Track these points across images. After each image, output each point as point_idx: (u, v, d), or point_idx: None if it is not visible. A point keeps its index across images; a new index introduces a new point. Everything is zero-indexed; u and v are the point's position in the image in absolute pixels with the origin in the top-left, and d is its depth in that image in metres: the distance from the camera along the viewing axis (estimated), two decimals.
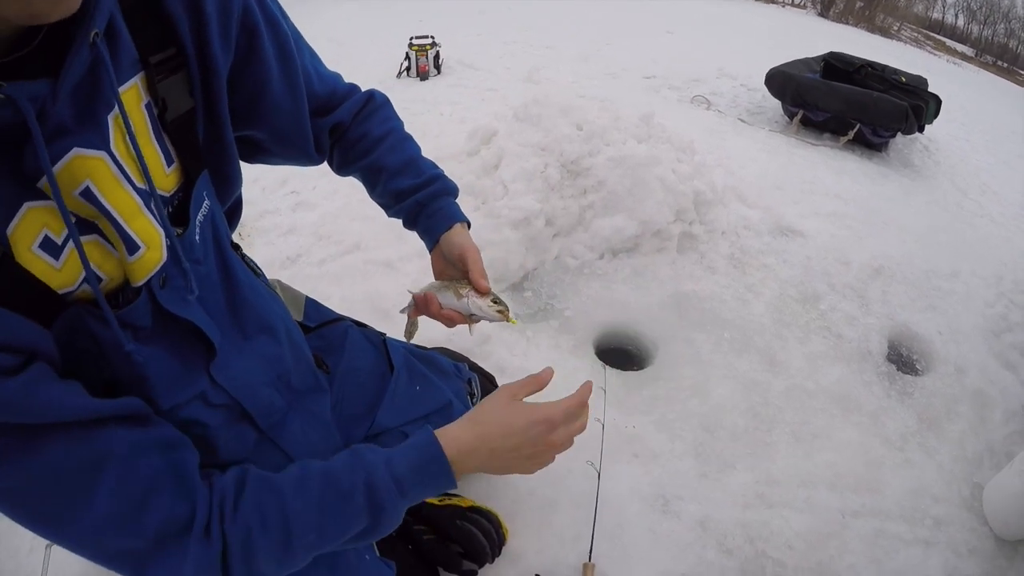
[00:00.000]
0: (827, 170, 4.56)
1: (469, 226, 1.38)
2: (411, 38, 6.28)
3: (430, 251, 1.36)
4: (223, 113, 1.02)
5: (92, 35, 0.71)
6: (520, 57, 7.14)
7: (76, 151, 0.74)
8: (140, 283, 0.86)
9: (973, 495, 2.17)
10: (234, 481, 0.86)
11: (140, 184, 0.85)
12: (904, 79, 5.51)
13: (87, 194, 0.76)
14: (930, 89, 5.45)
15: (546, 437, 1.05)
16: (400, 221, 1.42)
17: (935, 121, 5.19)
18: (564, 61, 7.10)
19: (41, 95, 0.67)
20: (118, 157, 0.81)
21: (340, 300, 1.82)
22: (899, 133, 4.90)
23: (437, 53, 6.26)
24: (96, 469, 0.75)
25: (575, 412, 1.10)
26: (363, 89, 1.40)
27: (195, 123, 0.98)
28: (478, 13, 10.01)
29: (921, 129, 4.99)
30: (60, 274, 0.76)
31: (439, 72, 6.32)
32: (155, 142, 0.88)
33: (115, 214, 0.80)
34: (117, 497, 0.76)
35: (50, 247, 0.74)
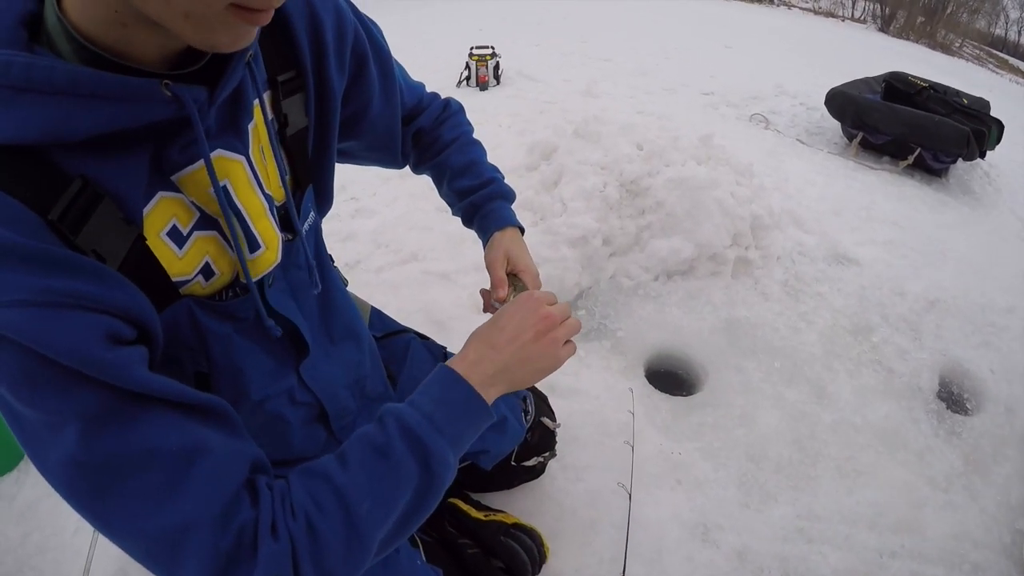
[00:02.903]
0: (885, 196, 4.51)
1: (523, 231, 1.44)
2: (471, 48, 6.34)
3: (484, 249, 1.41)
4: (333, 132, 1.11)
5: (248, 56, 0.83)
6: (578, 69, 7.15)
7: (220, 152, 0.84)
8: (255, 280, 0.94)
9: (1014, 542, 2.15)
10: (284, 483, 0.85)
11: (267, 190, 0.94)
12: (966, 101, 5.39)
13: (224, 192, 0.85)
14: (992, 112, 5.34)
15: (537, 312, 1.05)
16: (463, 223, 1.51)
17: (997, 147, 5.07)
18: (622, 74, 7.09)
19: (200, 99, 0.75)
20: (253, 163, 0.90)
21: (396, 309, 1.88)
22: (960, 159, 4.80)
23: (497, 64, 6.29)
24: (190, 460, 0.74)
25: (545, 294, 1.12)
26: (441, 96, 1.49)
27: (308, 140, 1.07)
28: (537, 23, 10.03)
29: (983, 155, 4.87)
30: (180, 262, 0.83)
31: (498, 83, 6.36)
32: (275, 154, 0.96)
33: (245, 213, 0.89)
34: (207, 494, 0.75)
35: (176, 236, 0.82)
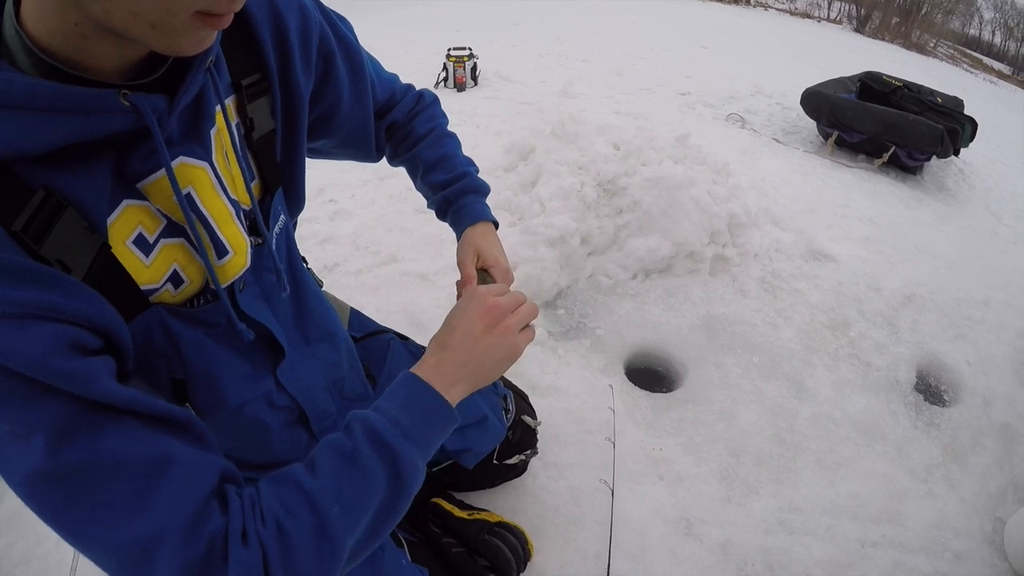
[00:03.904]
0: (861, 193, 4.56)
1: (497, 226, 1.44)
2: (449, 49, 6.34)
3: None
4: (301, 134, 1.11)
5: (208, 62, 0.82)
6: (555, 70, 7.17)
7: (182, 159, 0.83)
8: (224, 286, 0.94)
9: (995, 530, 2.18)
10: (255, 490, 0.84)
11: (233, 195, 0.93)
12: (940, 100, 5.46)
13: (188, 199, 0.84)
14: (966, 110, 5.41)
15: (485, 302, 1.05)
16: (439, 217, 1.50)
17: (971, 144, 5.15)
18: (598, 75, 7.11)
19: (159, 108, 0.75)
20: (217, 169, 0.89)
21: (375, 311, 1.88)
22: (934, 156, 4.86)
23: (475, 65, 6.29)
24: (158, 470, 0.73)
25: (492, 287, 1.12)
26: (416, 88, 1.48)
27: (275, 143, 1.07)
28: (514, 25, 10.04)
29: (956, 152, 4.93)
30: (148, 271, 0.83)
31: (476, 84, 6.36)
32: (239, 159, 0.95)
33: (210, 220, 0.89)
34: (176, 503, 0.74)
35: (142, 244, 0.82)
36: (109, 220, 0.78)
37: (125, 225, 0.80)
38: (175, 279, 0.88)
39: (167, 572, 0.71)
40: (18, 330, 0.65)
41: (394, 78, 1.44)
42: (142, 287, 0.83)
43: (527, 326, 1.09)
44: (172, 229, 0.86)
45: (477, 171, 1.47)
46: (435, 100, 1.51)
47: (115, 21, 0.62)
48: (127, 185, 0.79)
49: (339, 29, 1.18)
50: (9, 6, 0.68)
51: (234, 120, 0.96)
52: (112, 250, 0.78)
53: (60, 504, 0.70)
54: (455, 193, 1.42)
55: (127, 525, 0.70)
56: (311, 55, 1.08)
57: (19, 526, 2.00)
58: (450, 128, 1.52)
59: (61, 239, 0.72)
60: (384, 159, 1.51)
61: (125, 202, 0.79)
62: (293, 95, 1.06)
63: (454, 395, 0.97)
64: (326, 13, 1.15)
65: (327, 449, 0.87)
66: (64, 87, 0.65)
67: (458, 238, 1.39)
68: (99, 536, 0.71)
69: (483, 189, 1.45)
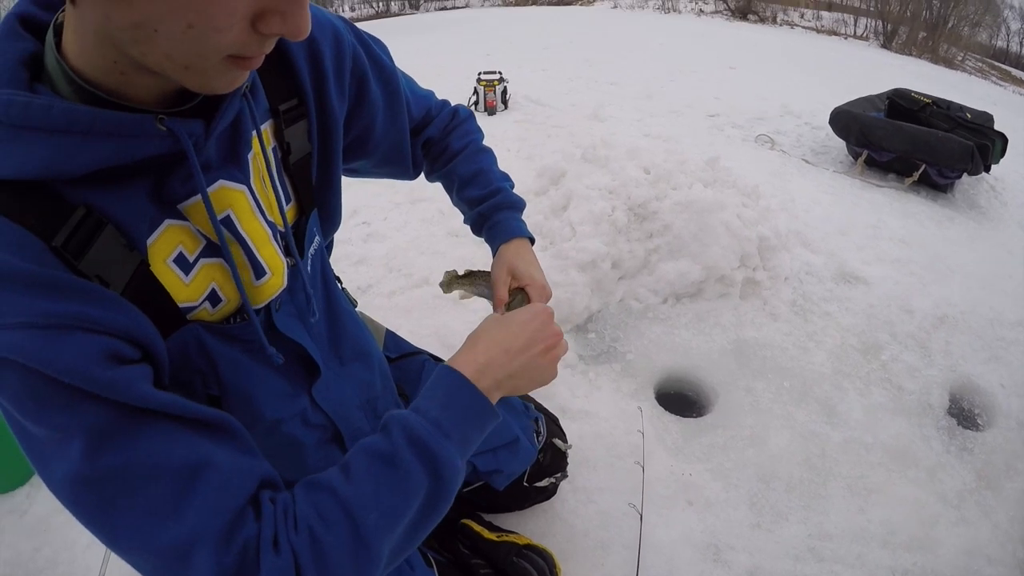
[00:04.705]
0: (892, 213, 4.53)
1: (533, 241, 1.43)
2: (480, 73, 6.41)
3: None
4: (336, 157, 1.14)
5: (244, 89, 0.86)
6: (584, 93, 7.21)
7: (221, 183, 0.87)
8: (261, 305, 0.98)
9: None
10: (289, 495, 0.84)
11: (270, 217, 0.97)
12: (970, 116, 5.41)
13: (227, 222, 0.88)
14: (996, 126, 5.35)
15: (549, 327, 1.07)
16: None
17: (1002, 160, 5.08)
18: (628, 98, 7.13)
19: (196, 133, 0.78)
20: (255, 192, 0.93)
21: (408, 333, 1.90)
22: (965, 173, 4.82)
23: (505, 88, 6.37)
24: (195, 475, 0.75)
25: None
26: (451, 104, 1.51)
27: (311, 166, 1.10)
28: (543, 48, 10.12)
29: (987, 169, 4.89)
30: (187, 289, 0.86)
31: (506, 107, 6.43)
32: (275, 183, 0.99)
33: (249, 242, 0.92)
34: (211, 509, 0.75)
35: (182, 263, 0.85)
36: (151, 240, 0.81)
37: (166, 244, 0.83)
38: (213, 298, 0.91)
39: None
40: (58, 341, 0.68)
41: (430, 95, 1.46)
42: (180, 304, 0.86)
43: None
44: (211, 249, 0.89)
45: (512, 186, 1.48)
46: (470, 116, 1.53)
47: (150, 63, 0.66)
48: (169, 206, 0.83)
49: (372, 50, 1.21)
50: (50, 38, 0.72)
51: (271, 144, 1.00)
52: (151, 268, 0.81)
53: (97, 507, 0.72)
54: (490, 208, 1.42)
55: (163, 529, 0.72)
56: (344, 79, 1.11)
57: (46, 531, 2.05)
58: (483, 136, 1.53)
59: (100, 255, 0.75)
60: (421, 175, 1.53)
61: (167, 222, 0.82)
62: (328, 119, 1.09)
63: (494, 398, 0.97)
64: (359, 35, 1.18)
65: (364, 453, 0.87)
66: (102, 112, 0.69)
67: (493, 254, 1.40)
68: (135, 540, 0.73)
69: (518, 205, 1.46)
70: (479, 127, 1.54)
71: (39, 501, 2.13)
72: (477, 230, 1.48)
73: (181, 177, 0.81)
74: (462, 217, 1.53)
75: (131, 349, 0.76)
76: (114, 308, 0.75)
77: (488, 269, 1.38)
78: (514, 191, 1.47)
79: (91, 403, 0.70)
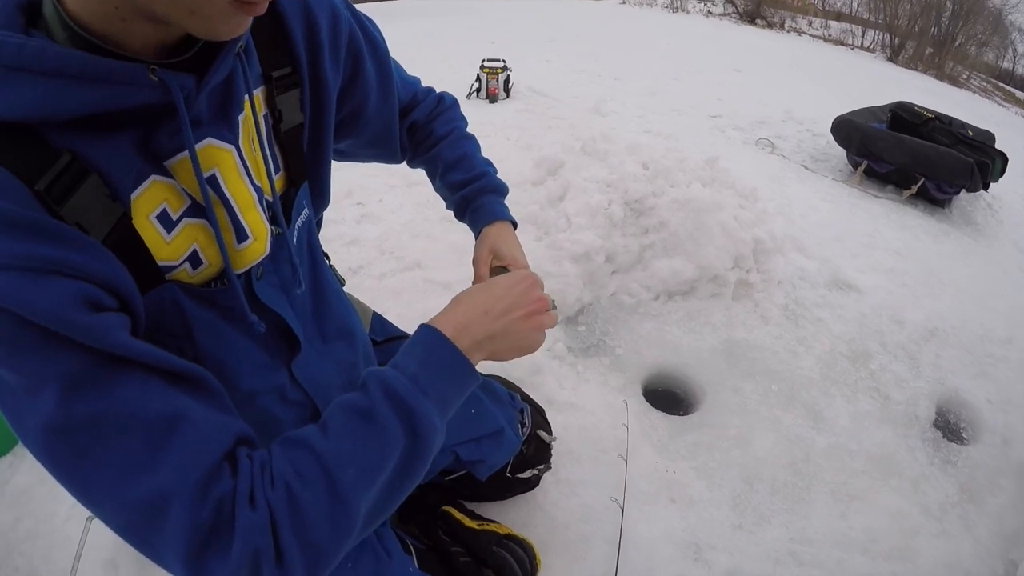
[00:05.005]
0: (888, 224, 4.54)
1: (515, 225, 1.44)
2: (483, 60, 6.39)
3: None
4: (328, 130, 1.13)
5: (239, 47, 0.84)
6: (587, 87, 7.20)
7: (209, 140, 0.86)
8: (241, 271, 0.96)
9: (1007, 572, 2.15)
10: (266, 452, 0.83)
11: (257, 182, 0.95)
12: (971, 133, 5.41)
13: (212, 181, 0.86)
14: (997, 145, 5.34)
15: (533, 292, 1.06)
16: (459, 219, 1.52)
17: (1001, 179, 5.09)
18: (631, 94, 7.13)
19: (188, 86, 0.77)
20: (243, 154, 0.92)
21: (396, 316, 1.88)
22: (963, 190, 4.83)
23: (508, 77, 6.34)
24: (171, 427, 0.74)
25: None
26: (436, 91, 1.52)
27: (303, 136, 1.10)
28: (549, 40, 10.09)
29: (986, 187, 4.90)
30: (168, 247, 0.85)
31: (508, 96, 6.40)
32: (264, 148, 0.98)
33: (233, 203, 0.90)
34: (186, 462, 0.74)
35: (165, 220, 0.84)
36: (135, 194, 0.80)
37: (150, 200, 0.82)
38: (194, 259, 0.89)
39: (175, 533, 0.71)
40: (36, 283, 0.67)
41: (416, 80, 1.47)
42: (160, 263, 0.84)
43: None
44: (196, 209, 0.87)
45: (496, 172, 1.49)
46: (455, 103, 1.54)
47: (156, 6, 0.67)
48: (155, 161, 0.81)
49: (368, 30, 1.21)
50: None
51: (263, 111, 0.99)
52: (133, 222, 0.80)
53: (70, 458, 0.71)
54: (473, 192, 1.43)
55: (136, 482, 0.71)
56: (340, 53, 1.11)
57: (27, 502, 2.03)
58: (467, 124, 1.54)
59: (82, 203, 0.74)
60: (404, 162, 1.54)
61: (152, 177, 0.81)
62: (321, 90, 1.09)
63: (474, 359, 0.95)
64: (355, 14, 1.18)
65: (342, 409, 0.86)
66: (94, 58, 0.68)
67: (476, 237, 1.41)
68: (108, 492, 0.72)
69: (502, 189, 1.47)
70: (463, 115, 1.55)
71: (21, 472, 2.11)
72: (460, 214, 1.49)
73: (169, 131, 0.80)
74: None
75: (109, 298, 0.75)
76: (94, 255, 0.73)
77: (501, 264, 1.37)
78: (498, 176, 1.49)
79: (67, 349, 0.69)
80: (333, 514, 0.79)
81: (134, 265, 0.80)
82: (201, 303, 0.92)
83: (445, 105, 1.50)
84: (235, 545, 0.73)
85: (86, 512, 1.56)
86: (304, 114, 1.08)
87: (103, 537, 1.82)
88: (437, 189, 1.53)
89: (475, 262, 1.34)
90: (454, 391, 0.92)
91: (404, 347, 0.94)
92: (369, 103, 1.25)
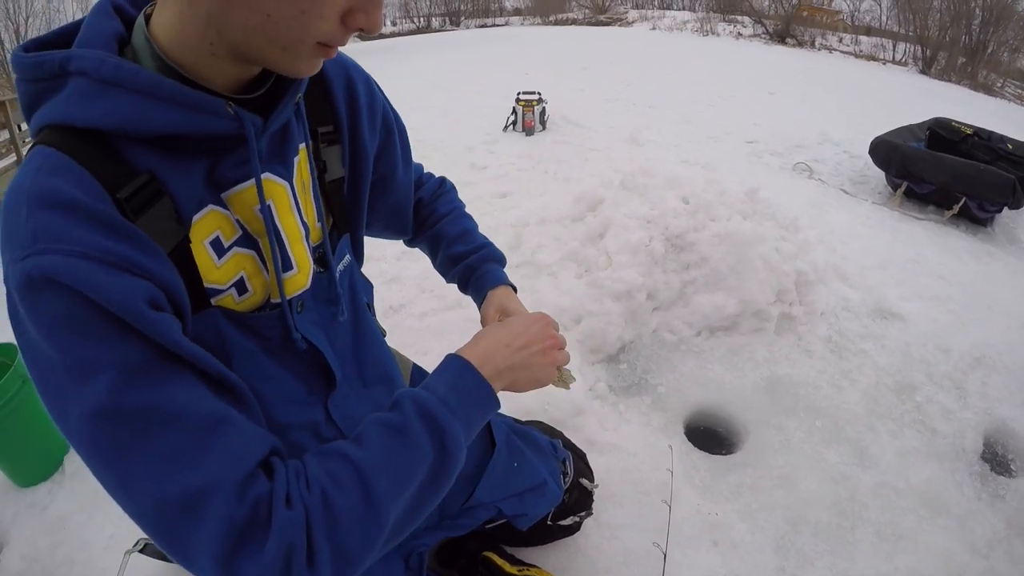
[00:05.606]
0: (931, 247, 4.50)
1: (515, 290, 1.52)
2: (519, 93, 6.45)
3: (479, 309, 1.49)
4: (365, 186, 1.26)
5: (299, 96, 0.97)
6: (622, 115, 7.27)
7: (268, 175, 0.98)
8: (284, 300, 1.04)
9: None
10: (300, 462, 0.87)
11: (305, 219, 1.06)
12: (1011, 147, 5.36)
13: (266, 211, 0.96)
14: None
15: (548, 330, 1.17)
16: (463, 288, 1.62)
17: None
18: (666, 122, 7.17)
19: (256, 124, 0.89)
20: (296, 192, 1.03)
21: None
22: (1006, 207, 4.76)
23: (543, 109, 6.40)
24: (215, 428, 0.78)
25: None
26: (436, 175, 1.69)
27: (343, 189, 1.23)
28: (581, 69, 10.18)
29: None
30: (217, 271, 0.94)
31: (544, 128, 6.46)
32: (314, 194, 1.10)
33: (283, 235, 1.01)
34: (228, 462, 0.77)
35: (217, 247, 0.93)
36: (195, 218, 0.89)
37: (207, 226, 0.91)
38: (240, 286, 0.97)
39: (210, 529, 0.74)
40: (108, 275, 0.73)
41: (419, 165, 1.62)
42: (208, 285, 0.92)
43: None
44: (246, 240, 0.97)
45: (493, 244, 1.61)
46: (453, 188, 1.69)
47: (252, 45, 0.78)
48: (215, 191, 0.91)
49: (395, 111, 1.36)
50: (140, 21, 0.84)
51: (309, 162, 1.09)
52: (190, 245, 0.88)
53: (113, 447, 0.74)
54: (477, 260, 1.54)
55: (178, 476, 0.74)
56: (376, 120, 1.26)
57: (65, 529, 2.10)
58: (465, 206, 1.68)
59: (153, 220, 0.83)
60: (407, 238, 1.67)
61: (210, 206, 0.91)
62: (360, 148, 1.22)
63: (495, 387, 1.05)
64: (385, 95, 1.34)
65: (376, 424, 0.92)
66: (181, 86, 0.79)
67: (479, 304, 1.50)
68: (146, 485, 0.74)
69: (502, 259, 1.59)
70: (459, 198, 1.69)
71: (61, 498, 2.19)
72: (463, 284, 1.59)
73: (233, 163, 0.91)
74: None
75: (169, 305, 0.82)
76: (161, 261, 0.82)
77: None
78: (495, 247, 1.61)
79: (130, 339, 0.75)
80: (366, 520, 0.84)
81: (187, 284, 0.87)
82: (243, 331, 1.00)
83: (446, 188, 1.66)
84: (270, 541, 0.75)
85: (124, 544, 1.63)
86: (344, 168, 1.21)
87: (141, 571, 1.82)
88: (438, 265, 1.65)
89: (483, 321, 1.43)
90: (478, 414, 1.01)
91: (433, 373, 1.03)
92: (397, 171, 1.38)
